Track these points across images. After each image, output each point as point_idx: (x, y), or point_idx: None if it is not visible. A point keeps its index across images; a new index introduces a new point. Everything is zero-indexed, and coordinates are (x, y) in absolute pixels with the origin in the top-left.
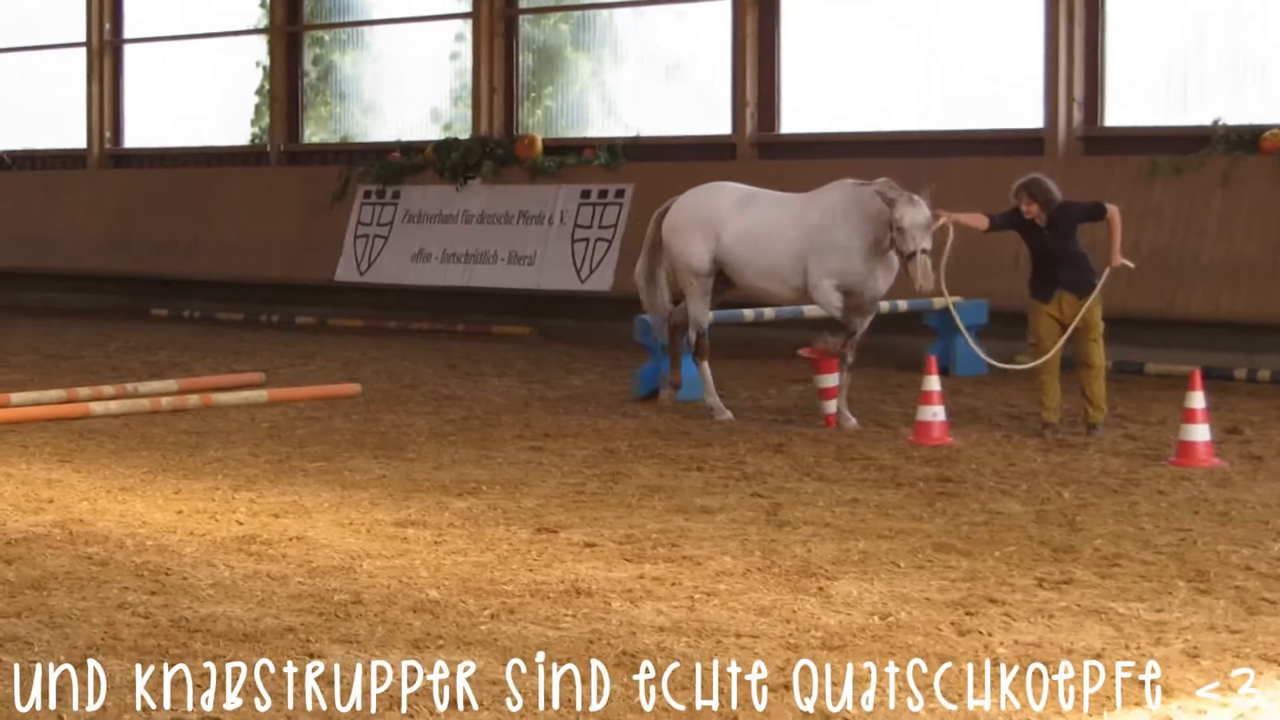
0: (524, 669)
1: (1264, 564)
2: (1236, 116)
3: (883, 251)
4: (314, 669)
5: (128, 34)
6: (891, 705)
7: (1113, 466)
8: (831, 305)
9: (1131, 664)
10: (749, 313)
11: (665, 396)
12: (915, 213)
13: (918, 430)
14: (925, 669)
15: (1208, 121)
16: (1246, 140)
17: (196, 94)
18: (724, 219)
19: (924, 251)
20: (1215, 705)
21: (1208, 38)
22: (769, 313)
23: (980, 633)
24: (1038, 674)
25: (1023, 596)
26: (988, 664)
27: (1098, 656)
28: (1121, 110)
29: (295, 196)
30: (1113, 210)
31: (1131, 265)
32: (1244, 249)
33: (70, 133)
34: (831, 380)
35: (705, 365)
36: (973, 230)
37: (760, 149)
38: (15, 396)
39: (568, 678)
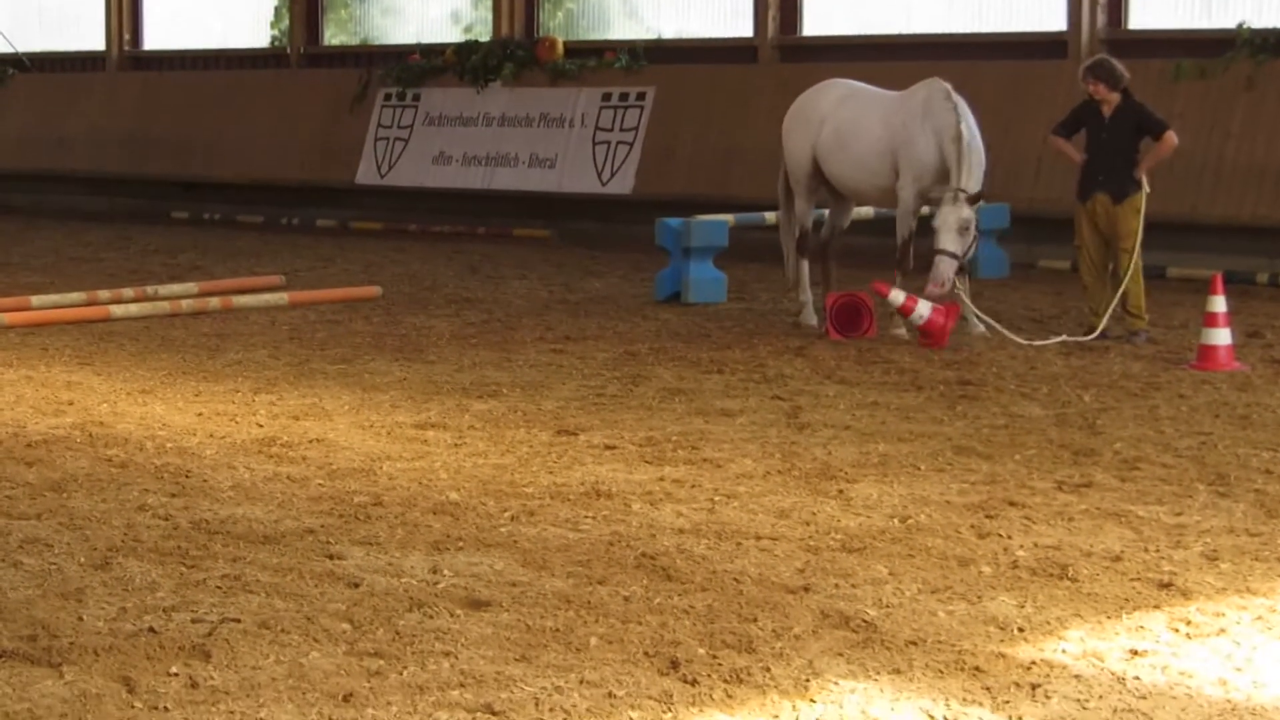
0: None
1: None
2: (1261, 19)
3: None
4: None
5: None
6: (913, 605)
7: (1134, 370)
8: (907, 208)
9: (1151, 566)
10: (770, 215)
11: (804, 318)
12: (951, 212)
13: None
14: (945, 571)
15: (1232, 25)
16: (1271, 43)
17: None
18: (825, 116)
19: (948, 253)
20: (1234, 608)
21: None
22: None
23: (1000, 535)
24: (1057, 577)
25: (1042, 499)
26: (1008, 567)
27: (1117, 559)
28: (1145, 13)
29: (315, 99)
30: (1170, 136)
31: (1147, 188)
32: (1268, 153)
33: (89, 35)
34: (899, 297)
35: (805, 263)
36: (1070, 156)
37: (782, 52)
38: (36, 299)
39: (587, 579)
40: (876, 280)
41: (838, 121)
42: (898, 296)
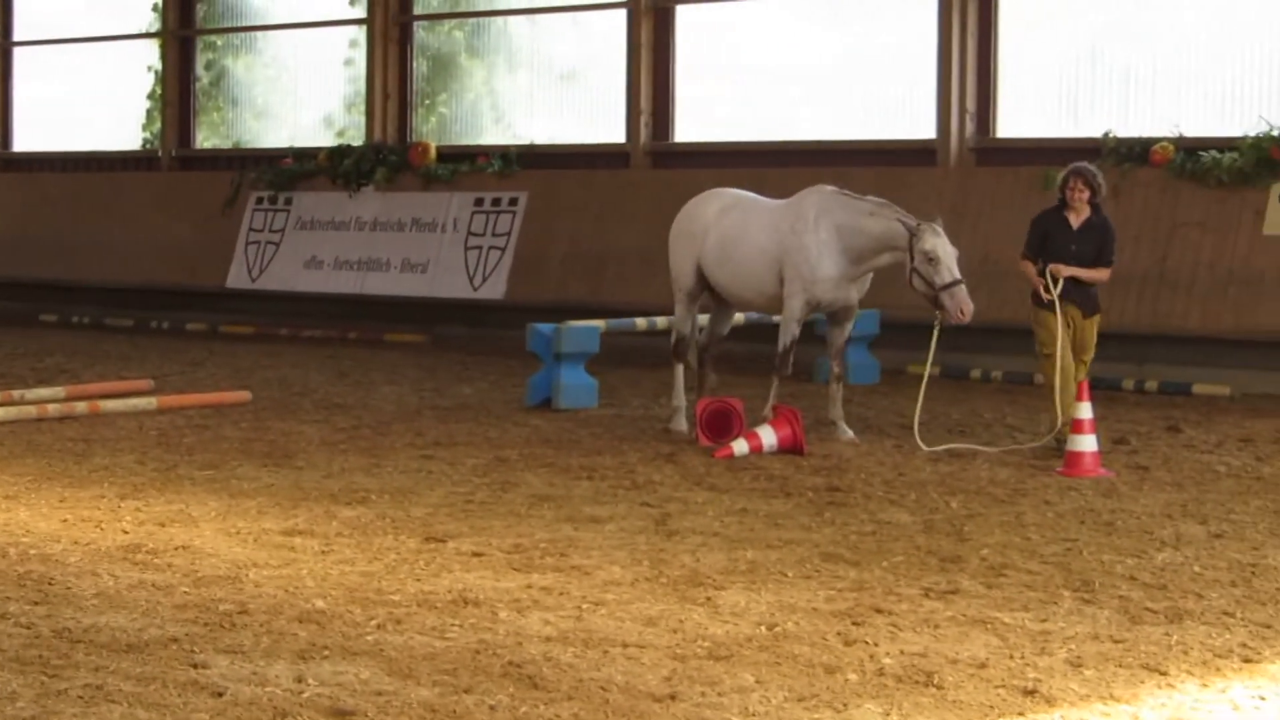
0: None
1: (1148, 574)
2: (1127, 129)
3: (853, 263)
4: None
5: (18, 36)
6: (779, 714)
7: (1001, 476)
8: (792, 315)
9: (1016, 673)
10: (641, 321)
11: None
12: (944, 242)
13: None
14: (811, 679)
15: (1098, 134)
16: (1137, 152)
17: (87, 98)
18: (708, 226)
19: (960, 281)
20: (1098, 714)
21: (1099, 52)
22: (661, 321)
23: (866, 643)
24: (923, 684)
25: (909, 606)
26: (874, 674)
27: (982, 666)
28: (1014, 122)
29: (187, 202)
30: (1108, 273)
31: (1054, 294)
32: (1133, 260)
33: None
34: (743, 446)
35: (680, 369)
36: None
37: (654, 158)
38: None
39: (453, 688)
40: (716, 450)
41: (721, 231)
42: (742, 446)
